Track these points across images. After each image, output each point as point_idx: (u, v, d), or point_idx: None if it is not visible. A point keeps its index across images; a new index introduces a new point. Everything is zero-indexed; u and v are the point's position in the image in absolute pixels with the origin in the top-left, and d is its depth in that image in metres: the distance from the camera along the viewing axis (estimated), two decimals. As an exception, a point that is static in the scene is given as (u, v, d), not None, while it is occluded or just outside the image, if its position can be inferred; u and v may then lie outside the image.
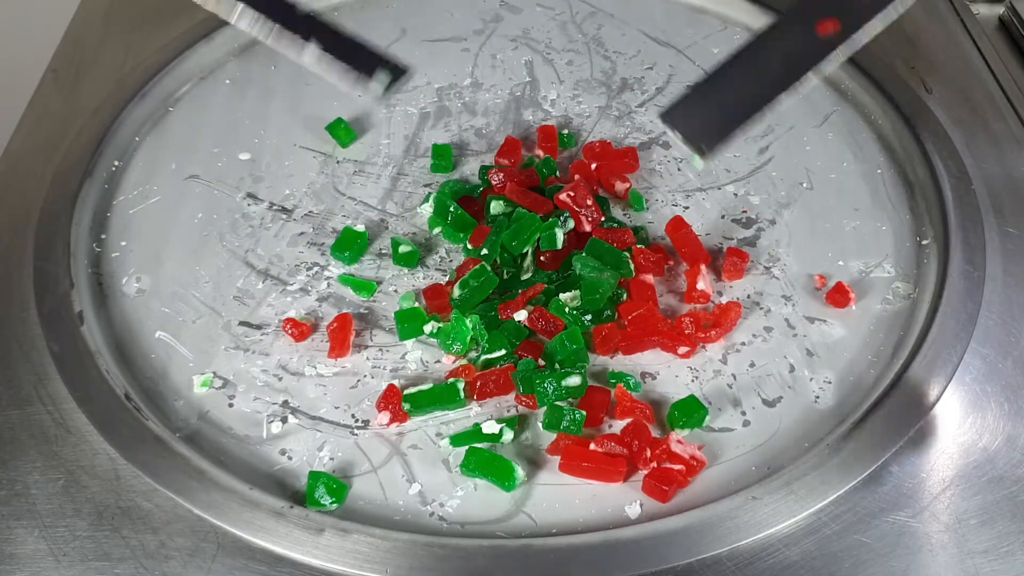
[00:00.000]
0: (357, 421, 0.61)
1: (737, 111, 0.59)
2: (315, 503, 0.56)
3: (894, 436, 0.59)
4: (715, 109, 0.60)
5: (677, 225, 0.71)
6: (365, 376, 0.64)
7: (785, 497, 0.56)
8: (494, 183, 0.72)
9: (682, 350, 0.64)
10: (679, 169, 0.78)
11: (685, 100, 0.60)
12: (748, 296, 0.69)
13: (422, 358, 0.65)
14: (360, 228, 0.71)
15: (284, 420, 0.61)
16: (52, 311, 0.65)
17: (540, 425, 0.60)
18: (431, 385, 0.62)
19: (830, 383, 0.63)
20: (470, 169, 0.78)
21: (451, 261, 0.71)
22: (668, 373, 0.64)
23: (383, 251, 0.71)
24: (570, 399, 0.61)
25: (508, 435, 0.59)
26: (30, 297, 0.66)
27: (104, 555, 0.54)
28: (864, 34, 0.59)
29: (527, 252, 0.68)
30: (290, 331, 0.65)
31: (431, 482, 0.58)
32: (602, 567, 0.53)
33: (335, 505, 0.56)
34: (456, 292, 0.65)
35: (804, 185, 0.77)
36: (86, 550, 0.54)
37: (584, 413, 0.59)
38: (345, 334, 0.64)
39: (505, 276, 0.68)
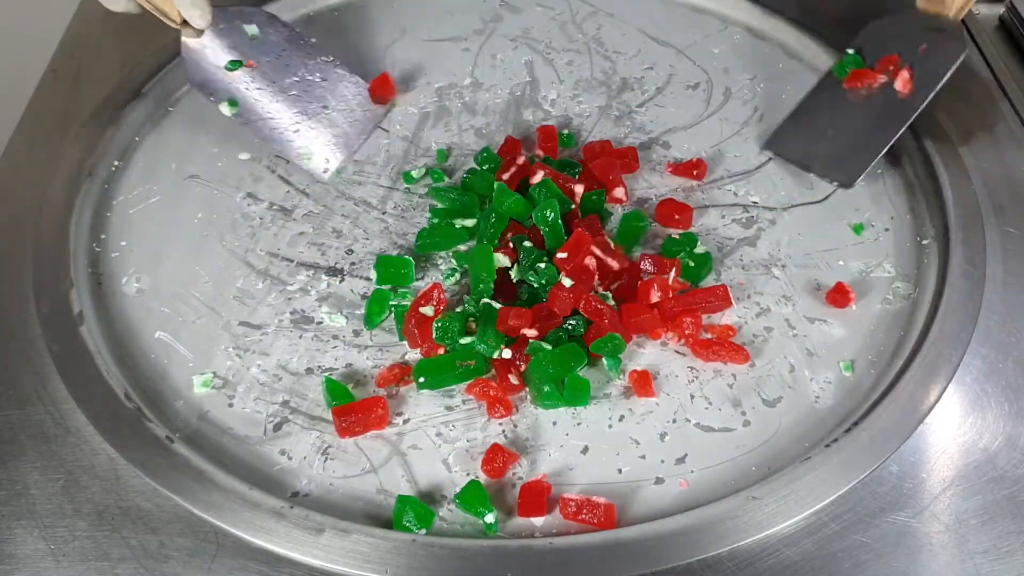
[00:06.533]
0: (357, 421, 0.61)
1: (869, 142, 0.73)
2: (403, 528, 0.55)
3: (894, 436, 0.59)
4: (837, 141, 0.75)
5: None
6: (365, 376, 0.64)
7: (785, 497, 0.56)
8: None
9: (669, 335, 0.65)
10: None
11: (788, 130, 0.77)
12: (748, 296, 0.69)
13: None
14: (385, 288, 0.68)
15: (284, 420, 0.61)
16: (52, 311, 0.65)
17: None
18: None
19: (830, 383, 0.63)
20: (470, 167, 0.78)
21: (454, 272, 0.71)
22: (668, 372, 0.64)
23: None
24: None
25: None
26: (30, 297, 0.66)
27: (104, 555, 0.54)
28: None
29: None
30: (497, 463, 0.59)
31: (431, 482, 0.58)
32: (602, 567, 0.53)
33: (423, 531, 0.55)
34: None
35: (804, 185, 0.77)
36: (86, 550, 0.54)
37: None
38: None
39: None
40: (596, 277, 0.66)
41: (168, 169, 0.77)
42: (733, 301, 0.67)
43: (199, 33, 0.75)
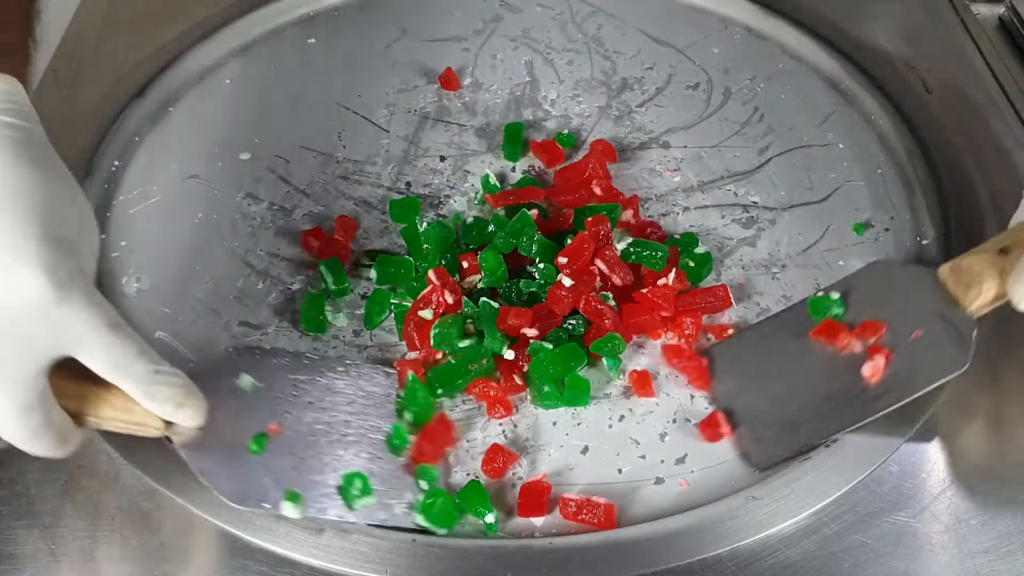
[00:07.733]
0: (357, 421, 0.61)
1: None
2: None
3: (894, 436, 0.59)
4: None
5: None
6: (365, 376, 0.64)
7: (785, 497, 0.56)
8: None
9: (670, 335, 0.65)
10: (678, 169, 0.78)
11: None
12: (748, 296, 0.68)
13: (422, 358, 0.65)
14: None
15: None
16: (52, 311, 0.65)
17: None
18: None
19: (830, 383, 0.63)
20: (473, 168, 0.78)
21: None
22: (668, 372, 0.64)
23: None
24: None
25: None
26: (30, 297, 0.66)
27: (104, 555, 0.54)
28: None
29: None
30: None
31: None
32: (602, 567, 0.53)
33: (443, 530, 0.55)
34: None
35: (804, 185, 0.77)
36: (86, 550, 0.54)
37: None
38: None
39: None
40: (598, 278, 0.66)
41: (168, 169, 0.77)
42: (733, 301, 0.67)
43: (194, 432, 0.52)
